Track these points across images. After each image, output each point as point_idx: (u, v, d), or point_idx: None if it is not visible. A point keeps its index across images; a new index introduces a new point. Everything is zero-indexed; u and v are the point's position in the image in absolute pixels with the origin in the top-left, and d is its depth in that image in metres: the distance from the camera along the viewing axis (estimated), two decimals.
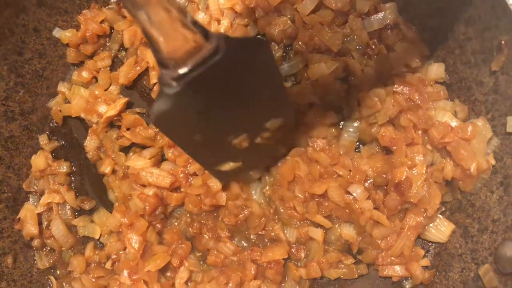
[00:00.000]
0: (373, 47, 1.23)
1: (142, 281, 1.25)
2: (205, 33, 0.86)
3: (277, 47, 1.35)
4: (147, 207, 1.24)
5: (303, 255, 1.24)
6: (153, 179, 1.27)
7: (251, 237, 1.28)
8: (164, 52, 0.84)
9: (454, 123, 1.14)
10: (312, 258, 1.23)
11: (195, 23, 0.84)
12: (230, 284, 1.22)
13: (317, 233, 1.22)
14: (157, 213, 1.27)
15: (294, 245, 1.25)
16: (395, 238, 1.16)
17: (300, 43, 1.28)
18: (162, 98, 0.92)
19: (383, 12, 1.23)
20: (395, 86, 1.19)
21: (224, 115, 1.03)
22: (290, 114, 1.17)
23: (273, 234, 1.25)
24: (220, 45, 0.87)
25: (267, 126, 1.13)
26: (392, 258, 1.17)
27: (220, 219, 1.28)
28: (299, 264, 1.25)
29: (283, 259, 1.23)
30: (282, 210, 1.24)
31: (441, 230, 1.17)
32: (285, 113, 1.14)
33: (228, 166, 1.19)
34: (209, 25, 1.36)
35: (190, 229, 1.28)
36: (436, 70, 1.20)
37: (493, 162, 1.09)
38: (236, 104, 1.02)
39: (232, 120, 1.06)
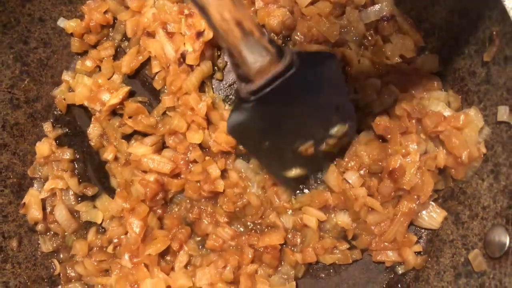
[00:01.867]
0: (370, 38, 1.26)
1: (142, 264, 1.28)
2: (280, 49, 0.94)
3: (276, 37, 1.38)
4: (148, 193, 1.27)
5: (299, 240, 1.27)
6: (154, 165, 1.30)
7: (248, 224, 1.31)
8: (247, 67, 0.92)
9: (447, 112, 1.17)
10: (307, 244, 1.26)
11: (272, 41, 0.92)
12: (228, 268, 1.25)
13: (311, 221, 1.25)
14: (157, 198, 1.30)
15: (290, 232, 1.28)
16: (388, 224, 1.19)
17: (298, 33, 1.31)
18: (238, 110, 1.02)
19: (379, 4, 1.25)
20: (391, 76, 1.22)
21: (293, 124, 1.11)
22: (354, 120, 1.21)
23: (269, 221, 1.29)
24: (294, 59, 0.96)
25: (333, 133, 1.18)
26: (386, 243, 1.20)
27: (218, 205, 1.31)
28: (295, 250, 1.28)
29: (279, 244, 1.26)
30: (277, 201, 1.28)
31: (434, 217, 1.20)
32: (349, 119, 1.19)
33: (293, 172, 1.24)
34: None
35: (190, 214, 1.31)
36: (431, 61, 1.22)
37: (484, 150, 1.11)
38: (305, 114, 1.09)
39: (300, 128, 1.14)
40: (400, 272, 1.24)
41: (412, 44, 1.23)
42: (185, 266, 1.31)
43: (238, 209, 1.29)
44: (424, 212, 1.20)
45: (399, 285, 1.24)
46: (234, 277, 1.25)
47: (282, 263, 1.28)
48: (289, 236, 1.27)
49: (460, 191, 1.18)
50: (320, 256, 1.25)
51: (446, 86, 1.23)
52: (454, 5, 1.14)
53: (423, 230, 1.25)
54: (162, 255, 1.31)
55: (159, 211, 1.32)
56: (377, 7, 1.25)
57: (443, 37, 1.21)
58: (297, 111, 1.07)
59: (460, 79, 1.18)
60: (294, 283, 1.26)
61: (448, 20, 1.17)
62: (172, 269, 1.31)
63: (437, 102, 1.19)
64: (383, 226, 1.19)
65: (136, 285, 1.28)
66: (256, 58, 0.91)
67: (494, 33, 1.04)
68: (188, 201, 1.33)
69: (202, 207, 1.32)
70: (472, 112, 1.13)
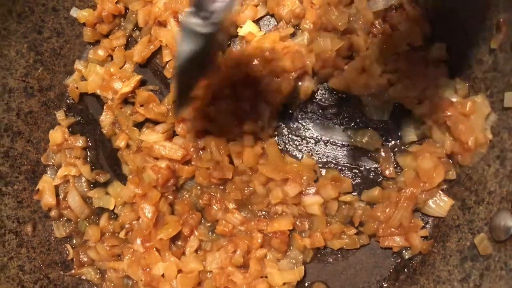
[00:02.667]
0: (378, 26, 1.27)
1: (154, 248, 1.31)
2: None
3: (286, 26, 1.39)
4: (159, 179, 1.29)
5: (307, 226, 1.29)
6: (165, 152, 1.33)
7: (256, 211, 1.34)
8: None
9: (454, 99, 1.19)
10: (315, 229, 1.28)
11: None
12: (238, 252, 1.27)
13: (315, 209, 1.26)
14: (169, 184, 1.32)
15: (298, 218, 1.31)
16: (393, 210, 1.21)
17: (307, 22, 1.33)
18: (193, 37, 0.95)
19: None
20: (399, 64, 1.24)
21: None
22: None
23: (275, 210, 1.31)
24: None
25: None
26: (392, 229, 1.22)
27: (227, 191, 1.34)
28: (303, 235, 1.30)
29: (288, 230, 1.28)
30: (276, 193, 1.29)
31: (441, 205, 1.22)
32: None
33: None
34: None
35: (200, 200, 1.34)
36: (438, 49, 1.24)
37: (490, 136, 1.13)
38: None
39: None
40: (406, 257, 1.26)
41: (419, 32, 1.25)
42: (196, 251, 1.33)
43: (245, 197, 1.31)
44: (431, 200, 1.21)
45: (405, 270, 1.26)
46: (244, 261, 1.27)
47: (291, 247, 1.30)
48: (297, 223, 1.30)
49: (467, 177, 1.19)
50: (328, 241, 1.28)
51: (453, 73, 1.24)
52: None
53: (430, 217, 1.26)
54: (173, 240, 1.34)
55: (170, 197, 1.35)
56: None
57: (451, 25, 1.22)
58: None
59: (467, 66, 1.20)
60: (303, 267, 1.28)
61: (455, 9, 1.19)
62: (183, 253, 1.33)
63: (444, 89, 1.21)
64: (388, 212, 1.21)
65: (148, 269, 1.31)
66: None
67: (501, 20, 1.05)
68: (198, 187, 1.36)
69: (212, 193, 1.34)
70: (479, 99, 1.15)
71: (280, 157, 1.32)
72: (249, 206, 1.33)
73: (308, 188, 1.28)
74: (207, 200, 1.33)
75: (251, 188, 1.31)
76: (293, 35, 1.37)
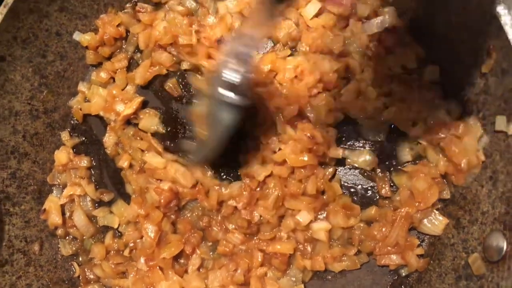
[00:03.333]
0: (373, 49, 1.30)
1: (157, 267, 1.34)
2: None
3: (283, 48, 1.43)
4: (162, 200, 1.33)
5: (309, 249, 1.31)
6: (176, 176, 1.37)
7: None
8: None
9: (447, 121, 1.22)
10: (317, 253, 1.31)
11: None
12: (239, 271, 1.31)
13: (321, 235, 1.29)
14: (171, 205, 1.36)
15: (301, 242, 1.33)
16: (390, 229, 1.24)
17: (303, 44, 1.36)
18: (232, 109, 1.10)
19: (382, 16, 1.29)
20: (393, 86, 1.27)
21: None
22: None
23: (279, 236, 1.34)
24: None
25: None
26: (389, 248, 1.25)
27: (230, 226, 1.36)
28: (305, 256, 1.32)
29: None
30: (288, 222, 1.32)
31: (436, 224, 1.25)
32: None
33: None
34: (219, 28, 1.44)
35: (200, 222, 1.38)
36: (431, 72, 1.27)
37: (483, 158, 1.16)
38: None
39: None
40: (403, 274, 1.28)
41: (413, 55, 1.28)
42: (198, 269, 1.36)
43: (252, 227, 1.33)
44: (426, 219, 1.24)
45: (402, 287, 1.29)
46: (245, 279, 1.30)
47: (291, 266, 1.33)
48: (300, 247, 1.32)
49: (461, 196, 1.22)
50: (329, 264, 1.30)
51: (446, 95, 1.27)
52: (453, 19, 1.18)
53: (425, 235, 1.29)
54: (176, 258, 1.37)
55: (173, 216, 1.38)
56: (379, 19, 1.29)
57: (443, 49, 1.25)
58: None
59: (460, 89, 1.22)
60: (302, 285, 1.31)
61: (447, 33, 1.22)
62: (186, 271, 1.37)
63: (438, 111, 1.23)
64: (385, 231, 1.24)
65: (151, 287, 1.35)
66: None
67: (491, 46, 1.08)
68: (200, 208, 1.39)
69: (212, 215, 1.37)
70: (471, 121, 1.18)
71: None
72: (254, 237, 1.35)
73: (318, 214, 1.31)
74: (207, 222, 1.36)
75: (260, 218, 1.32)
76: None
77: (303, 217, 1.29)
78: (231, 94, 1.05)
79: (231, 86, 1.05)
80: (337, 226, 1.28)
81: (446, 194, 1.25)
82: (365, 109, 1.28)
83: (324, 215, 1.31)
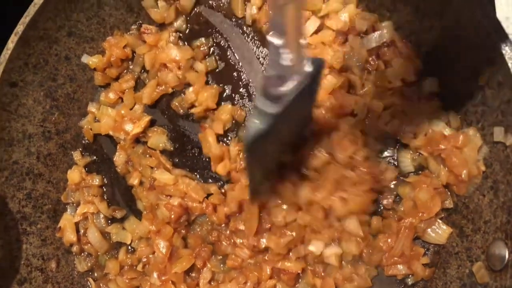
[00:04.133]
0: (372, 63, 1.33)
1: (170, 281, 1.39)
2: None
3: None
4: (172, 216, 1.37)
5: (321, 270, 1.33)
6: (187, 190, 1.40)
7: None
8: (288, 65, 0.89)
9: (447, 132, 1.24)
10: (328, 274, 1.32)
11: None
12: (248, 284, 1.34)
13: (332, 259, 1.30)
14: (181, 220, 1.39)
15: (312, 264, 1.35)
16: (395, 240, 1.26)
17: None
18: (261, 116, 0.97)
19: (380, 31, 1.32)
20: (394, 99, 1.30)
21: (287, 131, 1.15)
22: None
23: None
24: (313, 70, 0.96)
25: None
26: (395, 258, 1.28)
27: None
28: (316, 275, 1.34)
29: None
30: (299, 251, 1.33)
31: (439, 233, 1.27)
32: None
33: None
34: None
35: (210, 236, 1.41)
36: (430, 83, 1.29)
37: (483, 168, 1.18)
38: (296, 120, 1.14)
39: (289, 136, 1.19)
40: (410, 283, 1.30)
41: (412, 68, 1.30)
42: (209, 282, 1.40)
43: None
44: (430, 229, 1.27)
45: None
46: None
47: (300, 280, 1.35)
48: (310, 267, 1.34)
49: (464, 205, 1.24)
50: (340, 286, 1.31)
51: (446, 107, 1.29)
52: (449, 32, 1.21)
53: (430, 243, 1.31)
54: (188, 272, 1.41)
55: (183, 231, 1.42)
56: (377, 33, 1.32)
57: (441, 61, 1.27)
58: (294, 117, 1.10)
59: (459, 100, 1.25)
60: None
61: (444, 45, 1.24)
62: (197, 285, 1.40)
63: (438, 122, 1.26)
64: (390, 242, 1.27)
65: None
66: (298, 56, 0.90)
67: (487, 59, 1.10)
68: (209, 223, 1.43)
69: (221, 230, 1.40)
70: (471, 132, 1.20)
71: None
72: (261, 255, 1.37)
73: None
74: (216, 237, 1.40)
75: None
76: None
77: (317, 247, 1.30)
78: (266, 102, 0.96)
79: (269, 96, 0.96)
80: (349, 252, 1.30)
81: (449, 204, 1.27)
82: (374, 124, 1.31)
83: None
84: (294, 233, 1.31)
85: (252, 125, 0.99)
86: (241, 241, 1.36)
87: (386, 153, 1.37)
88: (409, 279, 1.31)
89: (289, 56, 0.88)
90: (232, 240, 1.38)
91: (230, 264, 1.37)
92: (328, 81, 1.32)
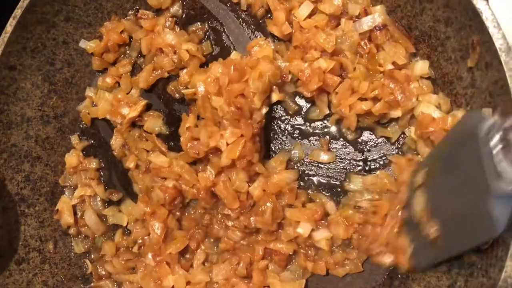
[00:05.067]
0: (364, 47, 1.34)
1: (164, 262, 1.41)
2: None
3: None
4: (167, 198, 1.39)
5: (312, 253, 1.36)
6: (182, 172, 1.41)
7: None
8: None
9: (437, 114, 1.25)
10: (320, 257, 1.35)
11: None
12: (241, 264, 1.36)
13: (322, 243, 1.33)
14: (176, 203, 1.41)
15: (303, 247, 1.37)
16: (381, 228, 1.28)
17: (297, 45, 1.41)
18: None
19: (372, 15, 1.33)
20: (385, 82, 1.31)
21: None
22: None
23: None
24: None
25: None
26: (382, 247, 1.28)
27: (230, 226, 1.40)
28: (308, 258, 1.36)
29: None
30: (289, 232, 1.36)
31: None
32: None
33: None
34: None
35: (203, 219, 1.43)
36: (421, 66, 1.29)
37: None
38: None
39: None
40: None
41: (403, 51, 1.30)
42: (203, 263, 1.42)
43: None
44: None
45: (399, 276, 1.32)
46: (247, 272, 1.36)
47: (293, 261, 1.38)
48: (302, 250, 1.36)
49: None
50: (332, 270, 1.34)
51: (436, 89, 1.30)
52: (439, 14, 1.21)
53: None
54: (182, 253, 1.43)
55: (178, 213, 1.44)
56: (370, 17, 1.32)
57: (432, 44, 1.28)
58: None
59: (449, 83, 1.26)
60: (304, 280, 1.35)
61: (435, 28, 1.25)
62: (191, 266, 1.43)
63: (428, 105, 1.27)
64: (377, 231, 1.28)
65: (159, 281, 1.41)
66: None
67: (475, 40, 1.11)
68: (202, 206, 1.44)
69: (213, 213, 1.42)
70: (459, 114, 1.21)
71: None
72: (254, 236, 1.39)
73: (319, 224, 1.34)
74: (208, 220, 1.42)
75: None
76: None
77: (304, 228, 1.32)
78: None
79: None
80: (339, 237, 1.32)
81: None
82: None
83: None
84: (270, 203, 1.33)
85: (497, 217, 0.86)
86: (232, 223, 1.38)
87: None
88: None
89: None
90: (224, 223, 1.39)
91: (223, 247, 1.39)
92: (320, 64, 1.33)
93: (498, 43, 1.03)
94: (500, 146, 0.79)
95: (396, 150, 1.36)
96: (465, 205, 0.94)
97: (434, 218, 1.05)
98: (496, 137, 0.80)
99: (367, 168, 1.37)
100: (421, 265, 1.18)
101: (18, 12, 1.41)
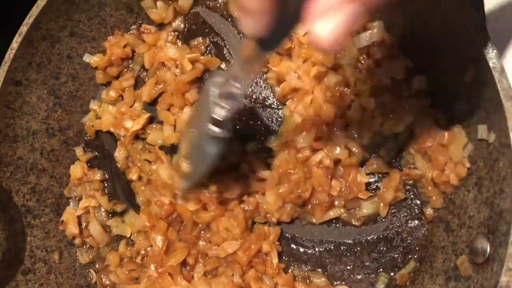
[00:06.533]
0: (363, 62, 1.36)
1: (167, 273, 1.43)
2: None
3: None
4: (163, 213, 1.42)
5: None
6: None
7: None
8: None
9: (434, 130, 1.27)
10: None
11: None
12: (236, 276, 1.39)
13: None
14: (174, 216, 1.44)
15: None
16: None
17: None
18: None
19: (370, 30, 1.35)
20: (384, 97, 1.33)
21: None
22: None
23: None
24: None
25: None
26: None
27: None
28: None
29: None
30: None
31: None
32: None
33: None
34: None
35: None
36: (419, 81, 1.31)
37: (468, 165, 1.21)
38: None
39: None
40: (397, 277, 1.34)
41: (401, 66, 1.33)
42: (204, 274, 1.45)
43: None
44: None
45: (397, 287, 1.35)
46: (245, 282, 1.39)
47: None
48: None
49: (450, 201, 1.28)
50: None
51: (434, 105, 1.32)
52: (435, 31, 1.24)
53: (417, 237, 1.35)
54: (184, 264, 1.45)
55: (178, 226, 1.46)
56: (368, 33, 1.35)
57: (429, 59, 1.30)
58: None
59: (446, 98, 1.27)
60: None
61: (432, 44, 1.27)
62: (193, 277, 1.45)
63: (426, 120, 1.29)
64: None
65: None
66: None
67: (471, 57, 1.13)
68: None
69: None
70: (456, 130, 1.23)
71: None
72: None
73: None
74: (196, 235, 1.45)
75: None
76: None
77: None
78: (218, 129, 1.13)
79: (219, 123, 1.13)
80: None
81: (440, 203, 1.31)
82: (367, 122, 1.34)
83: None
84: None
85: (211, 150, 1.19)
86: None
87: None
88: (393, 274, 1.35)
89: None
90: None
91: (208, 268, 1.43)
92: (329, 80, 1.35)
93: (491, 62, 1.05)
94: (216, 99, 1.12)
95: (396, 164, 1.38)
96: (200, 140, 1.25)
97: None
98: (215, 92, 1.12)
99: None
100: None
101: (23, 28, 1.44)
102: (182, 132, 1.48)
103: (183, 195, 1.43)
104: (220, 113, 1.11)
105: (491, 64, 1.05)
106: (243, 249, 1.37)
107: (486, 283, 1.07)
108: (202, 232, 1.45)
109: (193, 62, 1.53)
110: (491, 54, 1.05)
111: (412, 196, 1.36)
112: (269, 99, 1.52)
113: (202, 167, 1.29)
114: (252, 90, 1.53)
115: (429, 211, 1.32)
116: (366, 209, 1.36)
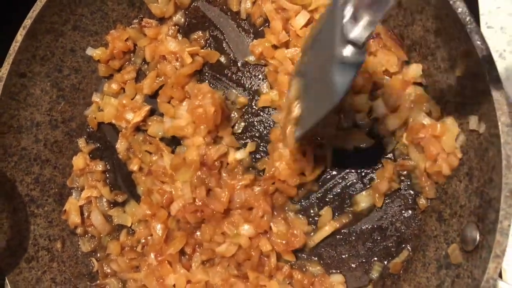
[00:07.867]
0: None
1: (166, 261, 1.46)
2: None
3: None
4: (164, 201, 1.45)
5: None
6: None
7: None
8: None
9: (427, 121, 1.29)
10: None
11: None
12: (232, 266, 1.43)
13: None
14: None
15: None
16: None
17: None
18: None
19: None
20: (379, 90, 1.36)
21: None
22: None
23: None
24: None
25: None
26: None
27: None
28: None
29: None
30: None
31: None
32: None
33: None
34: None
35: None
36: (414, 70, 1.33)
37: (460, 155, 1.23)
38: None
39: None
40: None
41: (395, 59, 1.34)
42: (203, 263, 1.48)
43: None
44: None
45: (390, 275, 1.37)
46: (241, 272, 1.43)
47: None
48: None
49: (443, 191, 1.30)
50: None
51: (428, 96, 1.34)
52: (429, 25, 1.26)
53: (411, 227, 1.38)
54: (183, 253, 1.49)
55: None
56: None
57: (423, 53, 1.32)
58: None
59: (439, 90, 1.30)
60: None
61: (425, 38, 1.29)
62: (191, 266, 1.48)
63: (419, 111, 1.31)
64: None
65: (161, 280, 1.46)
66: None
67: (463, 51, 1.15)
68: None
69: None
70: (449, 121, 1.25)
71: None
72: None
73: None
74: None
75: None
76: None
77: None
78: (355, 51, 0.89)
79: (357, 42, 0.88)
80: None
81: (433, 194, 1.33)
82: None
83: None
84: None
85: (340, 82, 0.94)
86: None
87: None
88: (386, 262, 1.38)
89: None
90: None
91: (206, 257, 1.46)
92: None
93: (481, 54, 1.08)
94: (349, 16, 0.88)
95: (390, 155, 1.40)
96: (318, 75, 1.05)
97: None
98: (348, 8, 0.88)
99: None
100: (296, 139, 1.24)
101: (27, 22, 1.48)
102: (292, 73, 1.30)
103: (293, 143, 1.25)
104: (360, 30, 0.87)
105: (481, 57, 1.07)
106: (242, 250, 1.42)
107: (476, 270, 1.10)
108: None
109: (193, 55, 1.56)
110: (482, 46, 1.08)
111: (406, 187, 1.38)
112: None
113: (324, 107, 1.03)
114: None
115: (422, 201, 1.34)
116: (364, 202, 1.39)
